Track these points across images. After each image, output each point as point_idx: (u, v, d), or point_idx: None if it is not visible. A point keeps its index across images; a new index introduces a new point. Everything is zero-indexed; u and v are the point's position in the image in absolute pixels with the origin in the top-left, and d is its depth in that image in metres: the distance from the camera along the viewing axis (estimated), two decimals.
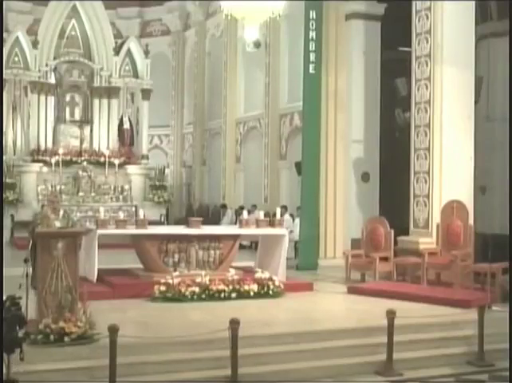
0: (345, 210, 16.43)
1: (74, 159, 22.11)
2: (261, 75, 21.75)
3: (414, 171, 13.87)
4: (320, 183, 15.69)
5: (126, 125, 23.40)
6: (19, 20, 25.66)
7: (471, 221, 12.98)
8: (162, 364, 7.75)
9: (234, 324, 7.63)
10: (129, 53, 23.78)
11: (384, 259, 13.06)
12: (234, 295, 11.03)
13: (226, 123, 23.87)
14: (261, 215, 13.06)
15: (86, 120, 23.10)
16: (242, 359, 7.64)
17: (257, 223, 12.62)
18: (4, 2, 19.83)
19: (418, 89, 13.81)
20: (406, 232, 13.93)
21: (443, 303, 10.40)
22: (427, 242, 13.17)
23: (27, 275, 8.06)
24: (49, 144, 22.35)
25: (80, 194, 21.73)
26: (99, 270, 11.50)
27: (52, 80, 22.70)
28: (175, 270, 11.54)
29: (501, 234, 13.81)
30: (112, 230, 11.82)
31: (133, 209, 21.35)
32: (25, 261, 8.25)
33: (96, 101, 23.21)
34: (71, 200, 21.17)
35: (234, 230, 12.96)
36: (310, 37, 15.24)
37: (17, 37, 22.43)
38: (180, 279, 11.01)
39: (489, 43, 15.98)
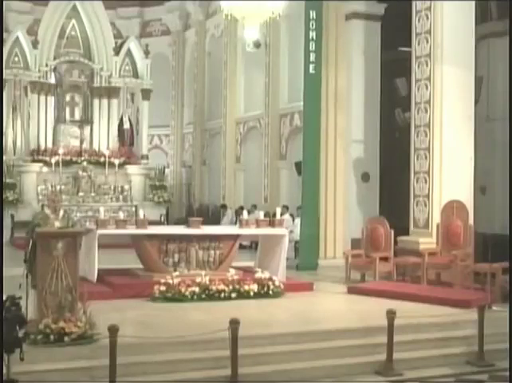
0: (345, 210, 16.44)
1: (74, 159, 22.13)
2: (261, 75, 21.74)
3: (414, 171, 13.87)
4: (320, 183, 15.69)
5: (126, 125, 23.42)
6: (19, 20, 25.63)
7: (471, 221, 12.98)
8: (162, 364, 7.75)
9: (234, 324, 7.62)
10: (129, 53, 23.78)
11: (384, 259, 13.06)
12: (234, 295, 11.02)
13: (226, 123, 23.87)
14: (261, 215, 13.06)
15: (86, 120, 23.10)
16: (242, 359, 7.63)
17: (258, 223, 12.62)
18: (4, 2, 19.90)
19: (418, 89, 13.81)
20: (406, 232, 13.93)
21: (443, 303, 10.39)
22: (427, 242, 13.17)
23: (27, 275, 8.06)
24: (49, 144, 22.37)
25: (80, 194, 21.75)
26: (99, 270, 11.50)
27: (52, 80, 22.71)
28: (175, 270, 11.54)
29: (501, 234, 13.81)
30: (112, 231, 11.81)
31: (133, 209, 21.34)
32: (25, 261, 8.26)
33: (96, 101, 23.22)
34: (71, 200, 21.17)
35: (234, 230, 12.96)
36: (310, 37, 15.22)
37: (17, 37, 22.43)
38: (180, 279, 11.01)
39: (489, 43, 15.97)
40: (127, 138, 23.38)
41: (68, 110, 22.99)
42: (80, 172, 21.89)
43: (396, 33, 15.97)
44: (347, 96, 16.60)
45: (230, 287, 11.10)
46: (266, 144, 21.56)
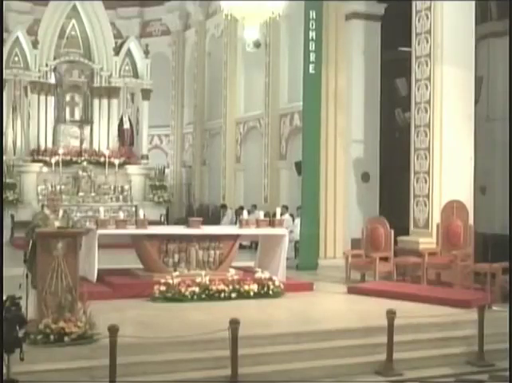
0: (345, 210, 16.44)
1: (74, 159, 22.14)
2: (261, 75, 21.75)
3: (414, 171, 13.88)
4: (320, 183, 15.69)
5: (126, 125, 23.42)
6: (19, 20, 25.64)
7: (471, 221, 12.98)
8: (162, 364, 7.75)
9: (234, 324, 7.62)
10: (129, 53, 23.79)
11: (384, 259, 13.06)
12: (234, 295, 11.02)
13: (226, 123, 23.87)
14: (261, 215, 13.06)
15: (86, 120, 23.11)
16: (242, 359, 7.64)
17: (258, 223, 12.62)
18: (4, 2, 19.90)
19: (418, 89, 13.81)
20: (406, 232, 13.93)
21: (443, 303, 10.39)
22: (427, 242, 13.17)
23: (27, 275, 8.06)
24: (49, 144, 22.38)
25: (80, 194, 21.75)
26: (99, 270, 11.50)
27: (52, 80, 22.71)
28: (175, 270, 11.54)
29: (501, 234, 13.82)
30: (112, 231, 11.81)
31: (133, 209, 21.35)
32: (25, 261, 8.26)
33: (96, 101, 23.23)
34: (71, 200, 21.19)
35: (234, 230, 12.96)
36: (310, 37, 15.23)
37: (17, 37, 22.44)
38: (180, 279, 11.01)
39: (489, 43, 15.98)
40: (127, 138, 23.38)
41: (68, 110, 22.99)
42: (80, 172, 21.90)
43: (396, 33, 15.97)
44: (347, 96, 16.61)
45: (230, 287, 11.10)
46: (266, 144, 21.56)
